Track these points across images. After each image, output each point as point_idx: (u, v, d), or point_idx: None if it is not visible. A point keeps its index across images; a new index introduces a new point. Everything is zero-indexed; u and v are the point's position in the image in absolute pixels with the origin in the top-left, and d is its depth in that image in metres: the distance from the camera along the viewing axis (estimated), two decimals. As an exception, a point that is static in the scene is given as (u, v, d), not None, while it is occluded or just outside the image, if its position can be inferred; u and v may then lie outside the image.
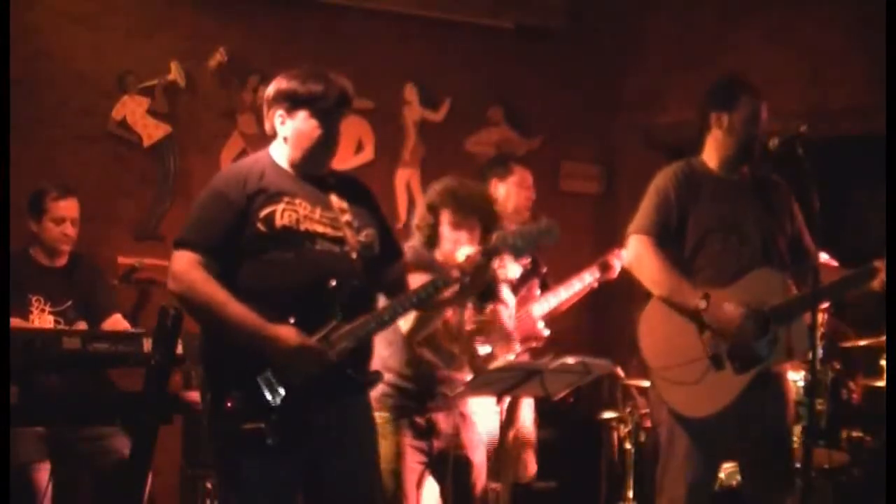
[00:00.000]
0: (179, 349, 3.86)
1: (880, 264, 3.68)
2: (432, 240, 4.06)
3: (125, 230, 5.89)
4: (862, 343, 5.08)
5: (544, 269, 4.95)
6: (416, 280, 3.50)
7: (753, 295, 3.77)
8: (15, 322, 4.46)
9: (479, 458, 4.05)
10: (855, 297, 3.89)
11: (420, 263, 3.82)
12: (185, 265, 3.16)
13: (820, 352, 4.14)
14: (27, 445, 4.41)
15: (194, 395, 4.15)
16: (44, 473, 4.51)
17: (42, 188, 4.82)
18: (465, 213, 4.03)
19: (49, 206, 4.77)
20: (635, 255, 3.90)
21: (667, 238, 3.87)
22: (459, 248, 3.96)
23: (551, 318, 4.89)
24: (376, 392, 3.98)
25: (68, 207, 4.80)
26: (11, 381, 3.60)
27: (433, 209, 4.09)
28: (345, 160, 5.84)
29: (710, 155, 3.96)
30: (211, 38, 6.06)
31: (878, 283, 3.69)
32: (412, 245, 4.12)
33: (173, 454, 5.16)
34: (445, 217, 4.04)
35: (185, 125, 6.05)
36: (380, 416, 3.99)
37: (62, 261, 4.83)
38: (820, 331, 4.16)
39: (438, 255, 4.07)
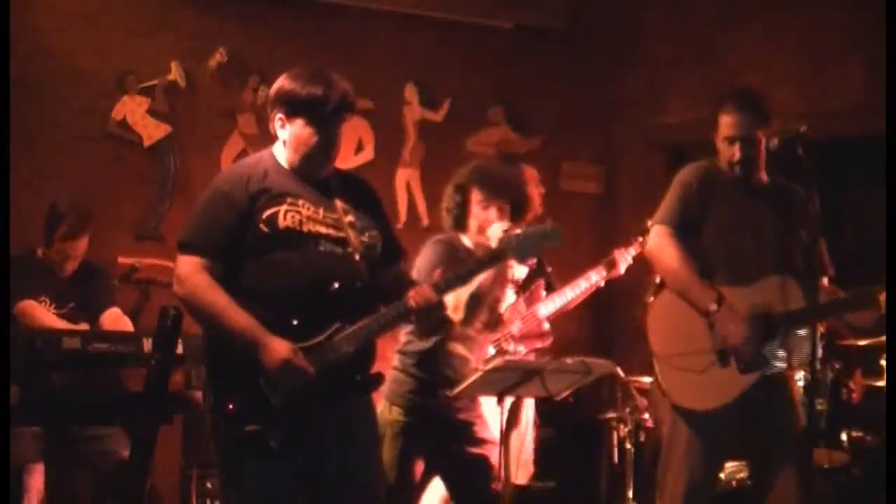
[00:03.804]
0: (179, 349, 3.87)
1: (881, 294, 3.68)
2: (460, 220, 4.07)
3: (125, 230, 5.89)
4: (862, 343, 5.07)
5: (549, 270, 4.95)
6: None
7: (766, 299, 3.77)
8: (30, 305, 4.48)
9: (495, 459, 4.08)
10: (859, 322, 3.89)
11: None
12: (190, 269, 3.16)
13: (820, 352, 4.15)
14: (21, 446, 4.40)
15: (196, 395, 4.17)
16: (37, 475, 4.51)
17: (58, 215, 4.76)
18: (492, 192, 4.05)
19: (56, 242, 4.75)
20: (656, 245, 3.90)
21: (687, 230, 3.87)
22: (490, 227, 3.97)
23: (553, 318, 4.89)
24: (398, 388, 4.03)
25: (76, 248, 4.78)
26: (12, 381, 3.60)
27: (461, 189, 4.10)
28: (345, 160, 5.84)
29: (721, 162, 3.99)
30: (211, 38, 6.07)
31: (882, 306, 3.69)
32: (440, 239, 4.10)
33: (173, 454, 5.16)
34: (474, 196, 4.06)
35: (185, 125, 6.05)
36: (394, 411, 4.03)
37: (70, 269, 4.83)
38: (820, 331, 4.17)
39: (468, 236, 4.07)
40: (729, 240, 3.86)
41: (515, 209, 4.11)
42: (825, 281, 3.89)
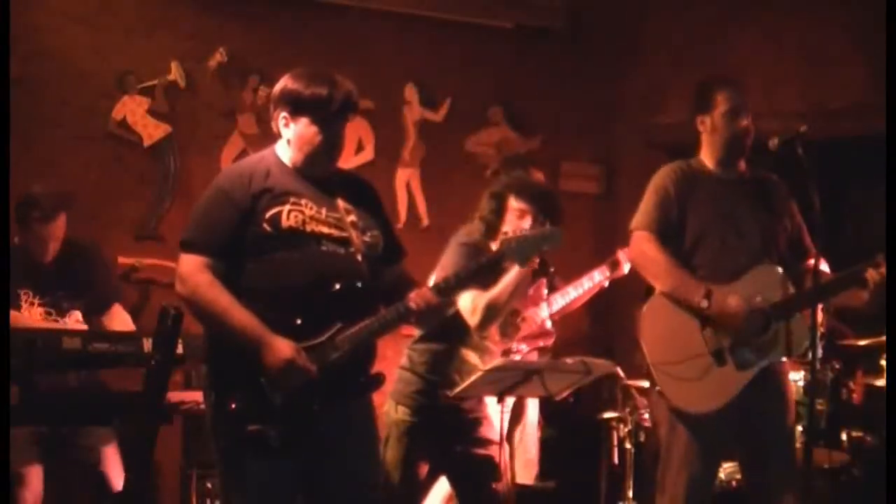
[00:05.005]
0: (179, 349, 3.86)
1: (871, 272, 3.69)
2: (493, 228, 4.08)
3: (125, 230, 5.89)
4: (862, 343, 5.08)
5: (552, 270, 4.96)
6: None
7: (754, 292, 3.78)
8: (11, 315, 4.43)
9: (501, 460, 4.09)
10: (854, 303, 3.88)
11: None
12: (192, 268, 3.17)
13: (820, 352, 4.15)
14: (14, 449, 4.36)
15: (195, 395, 4.17)
16: (33, 480, 4.48)
17: (30, 199, 4.59)
18: (530, 202, 4.08)
19: (33, 225, 4.58)
20: (639, 251, 3.92)
21: (667, 234, 3.88)
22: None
23: (557, 317, 4.90)
24: (405, 388, 4.04)
25: (53, 229, 4.62)
26: (12, 381, 3.59)
27: (498, 197, 4.13)
28: (345, 160, 5.77)
29: (706, 156, 4.00)
30: (211, 38, 6.06)
31: (871, 284, 3.70)
32: (466, 242, 4.10)
33: (173, 454, 5.16)
34: (511, 205, 4.09)
35: (185, 125, 6.05)
36: (400, 411, 4.04)
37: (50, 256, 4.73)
38: (820, 330, 4.17)
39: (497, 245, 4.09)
40: (712, 238, 3.87)
41: (551, 221, 4.13)
42: (824, 266, 3.90)
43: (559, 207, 4.16)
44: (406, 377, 4.12)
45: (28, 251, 4.64)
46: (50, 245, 4.64)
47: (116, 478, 4.53)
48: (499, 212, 4.10)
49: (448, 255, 4.09)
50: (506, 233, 3.51)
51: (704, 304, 3.75)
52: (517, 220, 4.08)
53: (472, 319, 3.92)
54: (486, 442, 4.10)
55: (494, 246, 4.12)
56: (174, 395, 4.23)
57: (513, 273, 3.88)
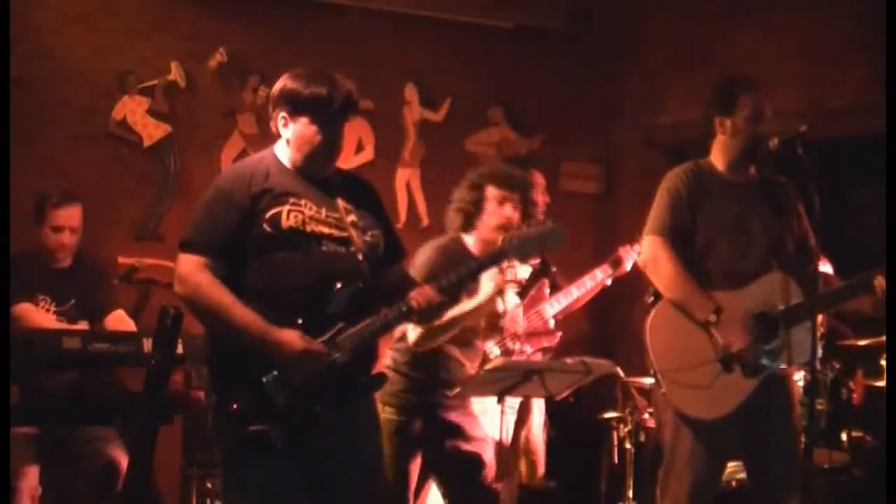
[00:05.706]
0: (179, 349, 3.86)
1: (880, 279, 3.68)
2: (472, 219, 4.10)
3: (125, 230, 5.89)
4: (862, 343, 5.08)
5: (554, 269, 4.96)
6: None
7: (763, 299, 3.76)
8: (26, 309, 4.44)
9: (488, 456, 4.09)
10: (862, 309, 3.88)
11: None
12: (192, 268, 3.16)
13: (820, 352, 4.15)
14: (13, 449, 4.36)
15: (196, 395, 4.16)
16: (29, 478, 4.48)
17: (44, 192, 4.70)
18: (510, 189, 4.09)
19: (48, 213, 4.65)
20: (650, 257, 3.88)
21: (678, 238, 3.86)
22: (505, 223, 4.01)
23: (560, 317, 4.90)
24: (389, 387, 4.05)
25: (68, 216, 4.68)
26: (12, 381, 3.60)
27: (476, 187, 4.13)
28: (345, 160, 5.79)
29: (717, 157, 3.95)
30: (211, 38, 6.07)
31: (879, 291, 3.69)
32: (439, 245, 4.09)
33: (173, 454, 5.17)
34: (489, 193, 4.09)
35: (185, 125, 6.05)
36: (387, 411, 4.04)
37: (67, 262, 4.77)
38: (820, 331, 4.17)
39: (475, 234, 4.08)
40: (722, 242, 3.85)
41: (524, 207, 4.13)
42: (829, 270, 3.89)
43: (531, 195, 4.16)
44: (390, 377, 4.12)
45: (46, 254, 4.69)
46: (66, 238, 4.67)
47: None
48: (478, 202, 4.11)
49: (420, 256, 4.08)
50: (505, 230, 3.50)
51: (712, 318, 3.73)
52: (498, 207, 4.08)
53: (410, 334, 3.94)
54: (472, 438, 4.09)
55: (470, 238, 4.11)
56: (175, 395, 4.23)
57: (465, 306, 3.86)
